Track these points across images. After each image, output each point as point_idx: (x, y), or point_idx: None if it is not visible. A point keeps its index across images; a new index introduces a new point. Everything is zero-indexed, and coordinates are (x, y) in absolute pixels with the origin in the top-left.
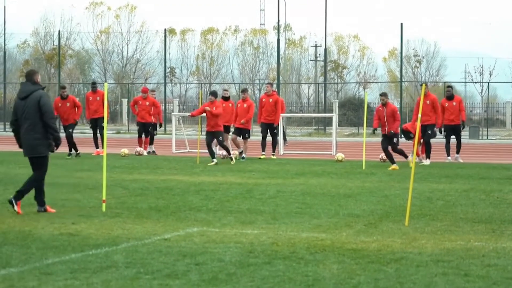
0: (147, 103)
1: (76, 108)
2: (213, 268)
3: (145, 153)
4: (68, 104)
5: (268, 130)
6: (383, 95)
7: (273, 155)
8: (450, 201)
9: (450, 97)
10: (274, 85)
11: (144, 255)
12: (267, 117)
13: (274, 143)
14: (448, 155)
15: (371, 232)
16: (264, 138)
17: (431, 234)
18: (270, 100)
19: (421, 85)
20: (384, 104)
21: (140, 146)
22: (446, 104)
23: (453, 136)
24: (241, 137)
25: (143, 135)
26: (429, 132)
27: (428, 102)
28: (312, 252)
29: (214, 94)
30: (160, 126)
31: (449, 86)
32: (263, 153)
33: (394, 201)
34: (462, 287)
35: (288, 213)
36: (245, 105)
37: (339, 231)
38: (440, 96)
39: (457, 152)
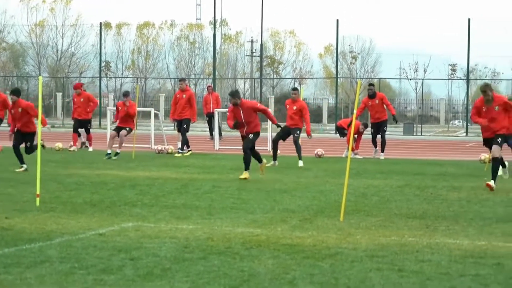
0: (82, 99)
1: None
2: (148, 263)
3: (90, 149)
4: None
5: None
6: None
7: (181, 152)
8: (385, 197)
9: (372, 96)
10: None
11: (79, 250)
12: (180, 114)
13: (183, 140)
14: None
15: (306, 227)
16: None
17: (365, 230)
18: (184, 96)
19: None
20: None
21: (75, 142)
22: (370, 103)
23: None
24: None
25: (84, 132)
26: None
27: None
28: (248, 247)
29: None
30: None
31: (370, 84)
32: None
33: (329, 197)
34: (396, 283)
35: (223, 208)
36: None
37: (274, 227)
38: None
39: (382, 151)
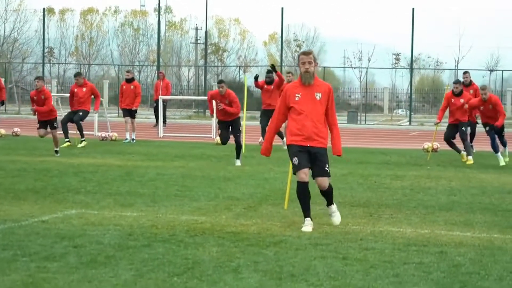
0: None
1: None
2: (91, 250)
3: None
4: None
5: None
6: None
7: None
8: None
9: (269, 83)
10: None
11: (21, 237)
12: (79, 106)
13: (78, 128)
14: (282, 138)
15: (251, 215)
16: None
17: None
18: (84, 89)
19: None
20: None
21: None
22: (265, 87)
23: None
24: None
25: None
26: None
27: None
28: (192, 235)
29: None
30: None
31: (269, 71)
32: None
33: (273, 185)
34: (340, 270)
35: (167, 195)
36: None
37: (218, 214)
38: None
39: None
